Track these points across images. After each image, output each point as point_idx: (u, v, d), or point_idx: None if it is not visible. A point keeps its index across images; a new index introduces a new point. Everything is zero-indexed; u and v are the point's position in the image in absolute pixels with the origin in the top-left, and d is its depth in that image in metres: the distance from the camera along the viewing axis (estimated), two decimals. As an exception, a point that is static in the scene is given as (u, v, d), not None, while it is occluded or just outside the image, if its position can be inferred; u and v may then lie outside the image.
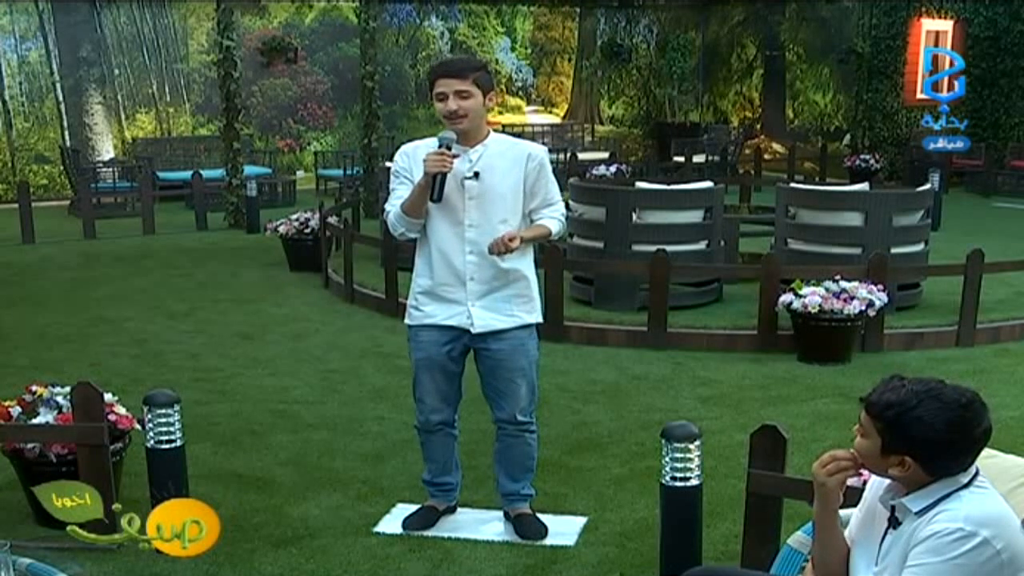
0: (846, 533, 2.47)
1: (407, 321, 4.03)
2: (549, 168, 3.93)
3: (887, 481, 2.34)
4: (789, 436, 3.42)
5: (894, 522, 2.31)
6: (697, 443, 3.52)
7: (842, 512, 2.49)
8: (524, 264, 3.93)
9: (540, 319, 4.02)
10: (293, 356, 7.00)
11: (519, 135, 17.63)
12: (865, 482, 3.25)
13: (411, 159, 3.88)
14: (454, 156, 3.72)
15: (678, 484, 3.52)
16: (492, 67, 18.54)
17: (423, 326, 3.95)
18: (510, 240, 3.73)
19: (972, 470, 2.25)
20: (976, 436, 2.22)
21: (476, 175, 3.80)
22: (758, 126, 19.86)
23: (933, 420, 2.18)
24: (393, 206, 3.88)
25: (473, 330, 3.88)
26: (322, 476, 4.81)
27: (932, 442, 2.19)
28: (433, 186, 3.71)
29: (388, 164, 9.38)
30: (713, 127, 19.75)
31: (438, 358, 3.95)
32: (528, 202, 3.88)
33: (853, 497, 2.53)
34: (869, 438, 2.27)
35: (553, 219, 3.91)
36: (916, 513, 2.25)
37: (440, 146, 3.73)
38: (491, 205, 3.81)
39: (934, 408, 2.19)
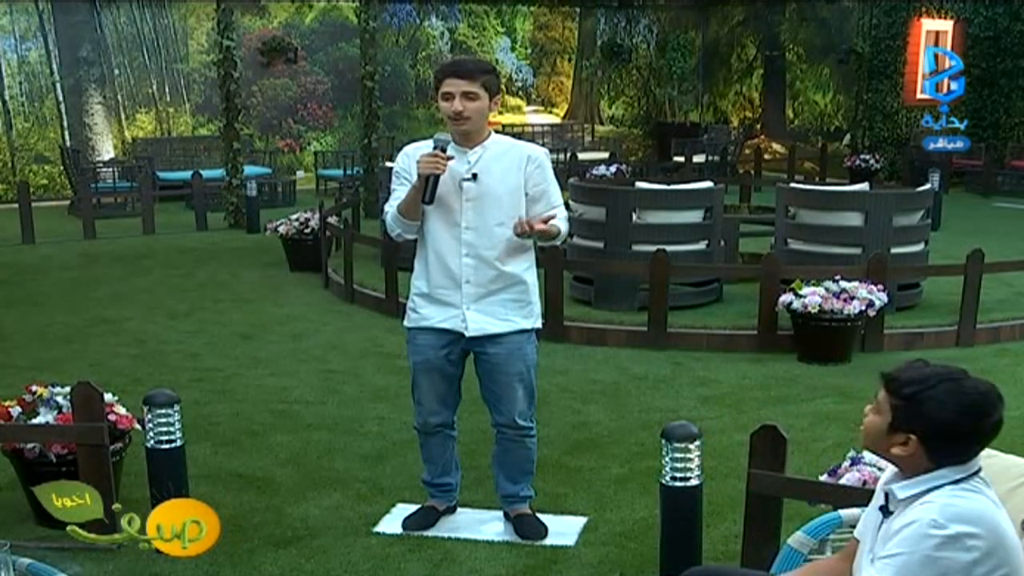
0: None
1: (405, 323, 4.02)
2: (550, 169, 3.88)
3: (894, 469, 2.32)
4: (789, 436, 3.42)
5: (886, 510, 2.30)
6: (697, 443, 3.51)
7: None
8: (523, 268, 3.89)
9: (539, 324, 3.98)
10: (293, 356, 6.99)
11: (519, 135, 17.71)
12: (865, 481, 3.26)
13: (411, 160, 3.85)
14: (448, 158, 3.70)
15: (678, 484, 3.52)
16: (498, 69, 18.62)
17: (420, 329, 3.94)
18: (543, 221, 3.69)
19: (972, 467, 2.22)
20: (985, 426, 2.20)
21: (474, 176, 3.77)
22: (758, 126, 19.85)
23: (947, 400, 2.18)
24: (391, 207, 3.87)
25: (467, 334, 3.86)
26: (322, 476, 4.80)
27: (941, 423, 2.18)
28: (425, 188, 3.69)
29: (388, 164, 9.45)
30: (713, 127, 19.75)
31: (436, 361, 3.94)
32: (531, 207, 3.81)
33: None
34: (881, 415, 2.26)
35: (563, 221, 3.86)
36: (902, 501, 2.23)
37: (435, 148, 3.70)
38: (488, 207, 3.78)
39: (951, 389, 2.19)
